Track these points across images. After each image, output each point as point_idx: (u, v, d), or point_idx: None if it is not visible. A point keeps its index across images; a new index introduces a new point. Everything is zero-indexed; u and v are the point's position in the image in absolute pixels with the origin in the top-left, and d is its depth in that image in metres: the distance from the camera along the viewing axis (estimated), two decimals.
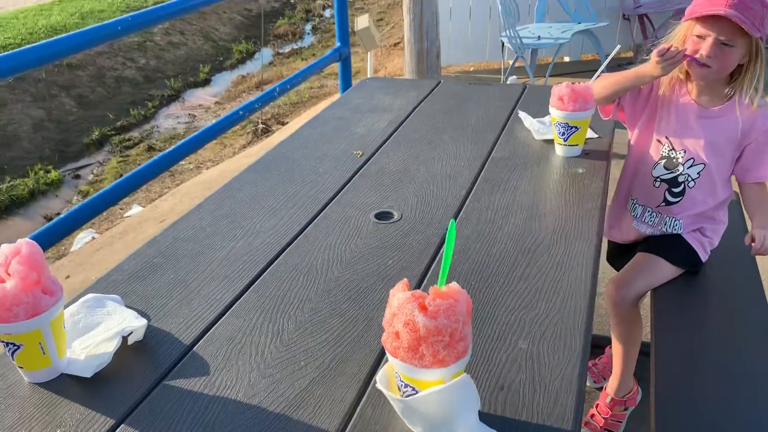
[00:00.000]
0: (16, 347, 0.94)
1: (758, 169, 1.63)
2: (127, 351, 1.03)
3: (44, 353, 0.96)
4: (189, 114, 7.01)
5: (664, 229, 1.75)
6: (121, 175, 5.71)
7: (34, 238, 1.93)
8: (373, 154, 1.72)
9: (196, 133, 2.76)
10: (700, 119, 1.61)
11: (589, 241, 1.29)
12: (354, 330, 1.06)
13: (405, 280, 0.83)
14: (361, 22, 4.56)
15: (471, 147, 1.74)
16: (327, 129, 1.90)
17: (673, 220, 1.73)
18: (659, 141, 1.69)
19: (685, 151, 1.65)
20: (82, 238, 3.99)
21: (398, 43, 7.92)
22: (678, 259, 1.72)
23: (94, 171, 5.96)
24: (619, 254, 1.89)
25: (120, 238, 3.33)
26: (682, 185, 1.68)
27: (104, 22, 2.27)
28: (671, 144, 1.67)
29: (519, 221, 1.37)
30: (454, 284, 0.81)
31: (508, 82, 5.06)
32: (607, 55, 1.81)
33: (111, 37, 2.34)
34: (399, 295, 0.80)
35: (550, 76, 4.77)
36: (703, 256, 1.74)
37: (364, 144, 1.79)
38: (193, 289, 1.19)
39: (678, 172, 1.67)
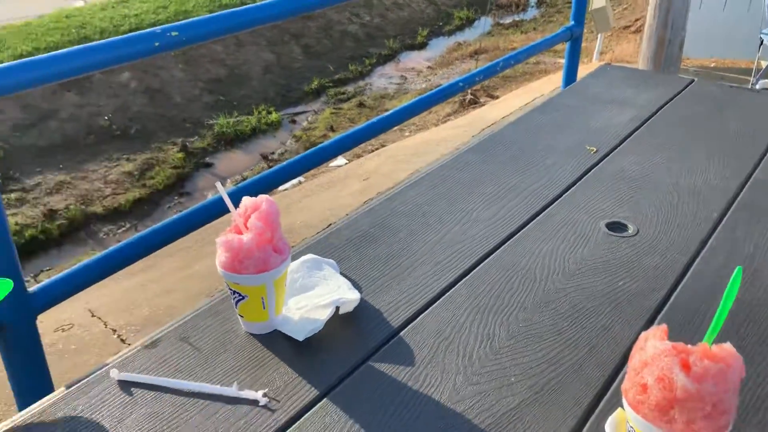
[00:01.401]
0: (241, 297, 0.97)
1: None
2: (337, 321, 1.02)
3: (264, 307, 0.98)
4: (401, 76, 7.13)
5: None
6: (332, 127, 5.99)
7: (260, 179, 2.04)
8: (609, 152, 1.56)
9: (413, 100, 2.75)
10: None
11: None
12: (573, 355, 0.96)
13: (664, 327, 0.71)
14: (597, 1, 4.25)
15: (727, 163, 1.51)
16: (558, 117, 1.76)
17: None
18: None
19: None
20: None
21: (629, 26, 7.33)
22: None
23: (309, 119, 6.31)
24: None
25: (326, 188, 3.48)
26: None
27: None
28: None
29: None
30: (728, 345, 0.67)
31: (757, 87, 4.45)
32: None
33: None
34: (657, 344, 0.68)
35: None
36: None
37: (600, 140, 1.63)
38: (405, 268, 1.16)
39: None
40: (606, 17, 4.39)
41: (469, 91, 5.94)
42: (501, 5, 8.80)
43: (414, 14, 8.41)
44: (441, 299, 1.08)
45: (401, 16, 8.30)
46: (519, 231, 1.27)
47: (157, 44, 1.62)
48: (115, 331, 2.40)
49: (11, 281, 0.88)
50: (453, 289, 1.11)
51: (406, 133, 5.56)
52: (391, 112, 2.65)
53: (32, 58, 1.41)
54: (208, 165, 5.92)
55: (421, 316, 1.04)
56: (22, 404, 1.55)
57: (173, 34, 1.63)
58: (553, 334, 0.99)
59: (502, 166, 1.52)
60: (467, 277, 1.13)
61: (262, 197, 0.97)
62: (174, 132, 6.07)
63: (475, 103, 5.95)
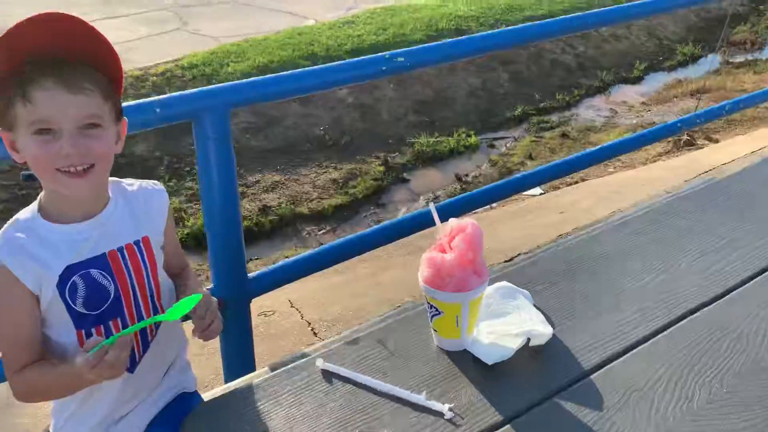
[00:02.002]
0: (437, 312, 1.02)
1: None
2: (527, 352, 1.03)
3: (457, 325, 1.02)
4: (611, 109, 6.85)
5: None
6: (530, 156, 5.94)
7: (456, 201, 2.10)
8: None
9: (626, 137, 2.66)
10: None
11: None
12: None
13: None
14: None
15: None
16: None
17: None
18: None
19: None
20: None
21: None
22: None
23: (507, 145, 6.31)
24: None
25: (518, 216, 3.46)
26: None
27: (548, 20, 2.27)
28: None
29: None
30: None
31: None
32: None
33: (551, 35, 2.34)
34: None
35: None
36: None
37: None
38: (602, 310, 1.13)
39: None
40: None
41: (686, 131, 5.54)
42: (734, 42, 8.08)
43: (632, 47, 8.04)
44: (638, 348, 1.04)
45: (618, 48, 7.98)
46: (735, 290, 1.18)
47: (384, 68, 1.75)
48: (309, 323, 2.61)
49: (200, 295, 0.96)
50: (652, 340, 1.06)
51: (610, 168, 5.33)
52: (599, 147, 2.58)
53: (283, 73, 1.61)
54: (405, 180, 6.17)
55: (614, 363, 1.02)
56: (230, 376, 1.75)
57: (399, 59, 1.75)
58: (762, 408, 0.91)
59: (722, 217, 1.41)
60: (669, 330, 1.08)
61: (468, 220, 1.02)
62: (378, 146, 6.42)
63: (691, 144, 5.54)
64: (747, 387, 0.95)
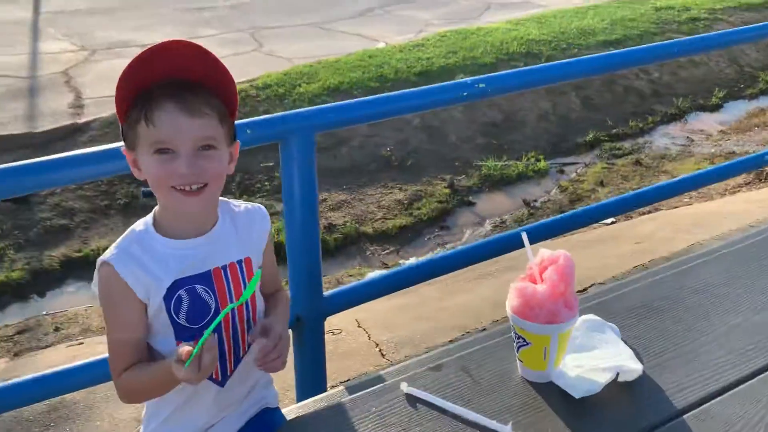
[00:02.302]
0: (525, 343, 1.01)
1: None
2: (615, 388, 1.01)
3: (545, 358, 1.01)
4: (687, 137, 6.64)
5: None
6: (602, 182, 5.82)
7: (533, 227, 2.08)
8: None
9: (707, 168, 2.58)
10: None
11: None
12: None
13: None
14: None
15: None
16: None
17: None
18: None
19: None
20: None
21: None
22: None
23: (578, 171, 6.20)
24: None
25: (592, 245, 3.39)
26: None
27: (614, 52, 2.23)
28: None
29: None
30: None
31: None
32: None
33: (612, 68, 2.29)
34: None
35: None
36: None
37: None
38: (694, 349, 1.09)
39: None
40: None
41: None
42: None
43: (710, 73, 7.79)
44: (734, 390, 1.00)
45: (695, 74, 7.75)
46: None
47: (465, 94, 1.76)
48: (377, 344, 2.62)
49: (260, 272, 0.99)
50: (750, 382, 1.02)
51: (686, 199, 5.16)
52: (678, 179, 2.51)
53: (367, 98, 1.64)
54: (471, 203, 6.14)
55: (709, 403, 0.98)
56: (302, 392, 1.78)
57: (480, 86, 1.76)
58: None
59: None
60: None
61: (561, 251, 1.01)
62: (444, 168, 6.42)
63: None
64: None
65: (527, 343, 1.01)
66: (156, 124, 0.90)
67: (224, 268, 1.01)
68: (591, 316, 1.14)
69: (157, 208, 1.01)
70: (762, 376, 1.03)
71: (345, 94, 6.26)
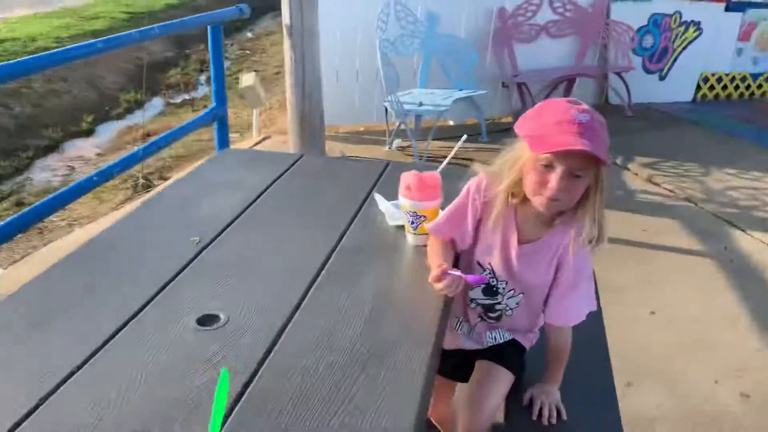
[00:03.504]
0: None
1: (549, 310, 1.54)
2: None
3: None
4: (68, 166, 6.59)
5: (493, 341, 1.64)
6: None
7: None
8: (212, 240, 1.58)
9: (58, 192, 2.54)
10: (522, 252, 1.47)
11: (427, 345, 1.20)
12: None
13: None
14: (246, 79, 4.46)
15: (322, 233, 1.64)
16: (167, 210, 1.74)
17: (499, 332, 1.63)
18: (480, 264, 1.53)
19: (506, 282, 1.52)
20: None
21: None
22: (515, 362, 1.61)
23: None
24: (460, 365, 1.69)
25: None
26: (499, 312, 1.58)
27: None
28: (493, 272, 1.52)
29: (358, 325, 1.26)
30: None
31: (393, 146, 5.08)
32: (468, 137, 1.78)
33: None
34: None
35: (433, 140, 4.83)
36: (526, 345, 1.67)
37: (206, 228, 1.64)
38: None
39: (496, 301, 1.56)
40: (257, 94, 4.62)
41: (141, 175, 5.73)
42: (170, 85, 8.76)
43: (75, 101, 7.89)
44: None
45: (61, 103, 7.72)
46: (107, 343, 1.19)
47: None
48: None
49: None
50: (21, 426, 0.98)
51: (76, 228, 5.11)
52: (35, 205, 2.40)
53: None
54: None
55: None
56: None
57: None
58: None
59: (97, 272, 1.43)
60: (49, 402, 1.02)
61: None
62: None
63: (149, 187, 5.75)
64: None
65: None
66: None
67: None
68: None
69: None
70: (34, 415, 1.00)
71: None
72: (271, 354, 1.17)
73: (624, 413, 1.62)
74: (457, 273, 1.35)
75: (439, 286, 1.35)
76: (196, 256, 1.50)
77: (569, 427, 1.56)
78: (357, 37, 5.26)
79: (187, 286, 1.38)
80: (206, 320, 1.26)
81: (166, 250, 1.53)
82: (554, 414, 1.56)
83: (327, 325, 1.26)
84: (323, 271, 1.46)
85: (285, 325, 1.25)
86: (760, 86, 7.33)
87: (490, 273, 1.52)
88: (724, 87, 7.17)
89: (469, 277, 1.38)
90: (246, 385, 1.08)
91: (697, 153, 5.35)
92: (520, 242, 1.46)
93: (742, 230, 3.97)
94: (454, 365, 1.67)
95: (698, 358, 2.73)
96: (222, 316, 1.27)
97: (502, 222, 1.45)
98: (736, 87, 7.23)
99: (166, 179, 5.77)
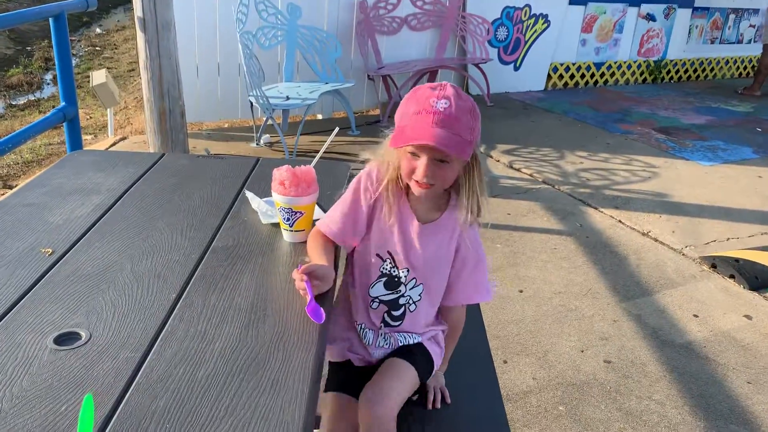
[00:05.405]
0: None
1: (455, 291, 1.52)
2: None
3: None
4: None
5: (404, 341, 1.58)
6: None
7: None
8: (68, 251, 1.44)
9: None
10: (421, 234, 1.44)
11: (310, 348, 1.16)
12: None
13: None
14: (98, 77, 4.15)
15: (190, 236, 1.54)
16: (11, 220, 1.56)
17: (408, 335, 1.57)
18: (379, 256, 1.48)
19: (408, 270, 1.48)
20: None
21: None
22: (424, 369, 1.55)
23: None
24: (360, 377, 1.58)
25: None
26: (403, 308, 1.53)
27: None
28: (393, 261, 1.48)
29: (234, 331, 1.20)
30: None
31: (262, 142, 4.96)
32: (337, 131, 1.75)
33: None
34: None
35: (302, 134, 4.77)
36: (437, 365, 1.60)
37: (58, 238, 1.49)
38: None
39: (399, 294, 1.51)
40: (110, 92, 4.31)
41: None
42: (10, 85, 7.98)
43: None
44: None
45: None
46: None
47: None
48: None
49: None
50: None
51: None
52: None
53: None
54: None
55: None
56: None
57: None
58: None
59: None
60: None
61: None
62: None
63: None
64: None
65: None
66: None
67: None
68: None
69: None
70: None
71: None
72: (141, 370, 1.08)
73: (502, 389, 1.67)
74: (310, 290, 1.28)
75: (298, 283, 1.31)
76: (49, 269, 1.36)
77: (453, 407, 1.59)
78: (216, 30, 5.06)
79: (40, 302, 1.24)
80: (65, 339, 1.14)
81: (14, 264, 1.37)
82: (438, 398, 1.58)
83: (202, 332, 1.18)
84: (194, 276, 1.37)
85: (155, 338, 1.16)
86: (602, 74, 7.96)
87: (390, 263, 1.48)
88: (572, 76, 7.72)
89: (310, 305, 1.26)
90: (114, 409, 0.99)
91: (551, 138, 5.71)
92: (419, 222, 1.45)
93: (595, 208, 4.29)
94: (361, 381, 1.52)
95: (565, 331, 2.91)
96: (83, 334, 1.15)
97: (397, 207, 1.44)
98: (582, 75, 7.80)
99: (11, 188, 5.26)
